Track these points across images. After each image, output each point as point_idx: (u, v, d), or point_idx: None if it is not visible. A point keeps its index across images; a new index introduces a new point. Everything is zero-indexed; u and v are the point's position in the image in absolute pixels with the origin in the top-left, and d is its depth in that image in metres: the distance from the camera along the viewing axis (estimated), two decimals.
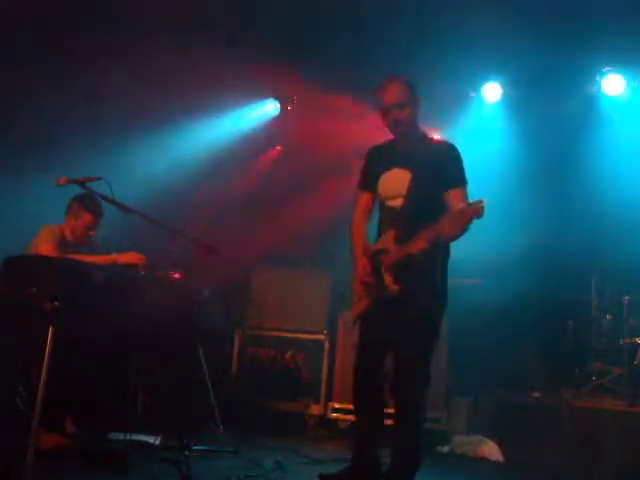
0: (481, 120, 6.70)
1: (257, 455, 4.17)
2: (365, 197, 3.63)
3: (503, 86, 6.48)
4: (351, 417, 4.52)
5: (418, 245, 3.10)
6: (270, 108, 7.09)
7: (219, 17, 5.47)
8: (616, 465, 4.38)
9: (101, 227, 4.53)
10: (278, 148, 7.44)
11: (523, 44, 5.60)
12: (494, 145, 6.57)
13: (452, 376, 5.21)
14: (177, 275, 4.40)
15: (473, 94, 6.63)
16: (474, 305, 5.80)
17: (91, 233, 4.44)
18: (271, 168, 7.31)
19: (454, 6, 5.27)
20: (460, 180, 3.37)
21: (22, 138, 5.84)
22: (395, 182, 3.39)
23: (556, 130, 6.40)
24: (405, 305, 3.28)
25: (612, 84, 6.19)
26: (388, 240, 3.35)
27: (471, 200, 3.08)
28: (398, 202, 3.36)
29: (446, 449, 4.82)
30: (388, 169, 3.44)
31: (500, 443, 4.76)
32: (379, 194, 3.50)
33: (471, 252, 6.37)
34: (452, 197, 3.27)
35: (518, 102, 6.52)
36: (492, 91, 6.53)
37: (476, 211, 2.90)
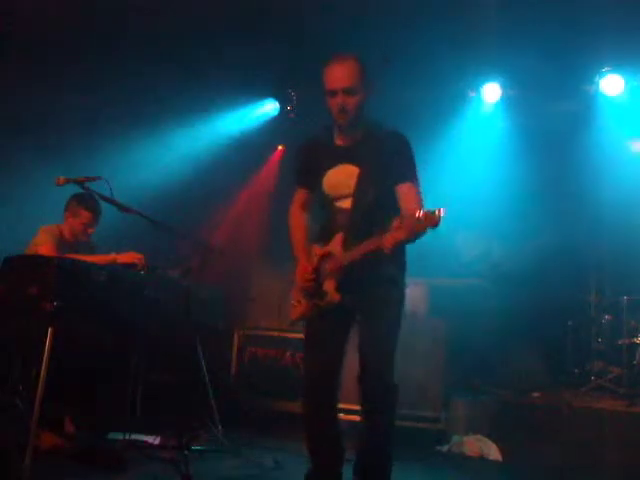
0: (481, 120, 6.71)
1: (257, 455, 4.17)
2: (303, 194, 3.30)
3: (503, 86, 6.49)
4: (351, 417, 4.50)
5: (352, 256, 2.89)
6: (270, 108, 7.09)
7: (219, 17, 5.46)
8: (616, 465, 4.38)
9: (101, 227, 4.53)
10: (280, 147, 7.45)
11: (523, 44, 5.60)
12: (493, 145, 6.58)
13: (452, 376, 5.21)
14: (177, 275, 4.40)
15: (473, 94, 6.64)
16: (474, 305, 5.81)
17: (90, 231, 4.43)
18: (273, 167, 7.33)
19: (454, 6, 5.27)
20: (409, 173, 3.03)
21: (22, 138, 5.84)
22: (342, 180, 3.07)
23: (555, 130, 6.40)
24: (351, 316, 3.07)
25: (611, 84, 6.19)
26: (335, 244, 3.05)
27: (429, 208, 2.69)
28: (347, 203, 3.06)
29: (445, 449, 4.81)
30: (333, 165, 3.09)
31: (499, 443, 4.76)
32: (326, 194, 3.14)
33: (471, 252, 6.42)
34: (401, 193, 2.98)
35: (518, 102, 6.52)
36: (492, 91, 6.53)
37: (432, 220, 2.59)
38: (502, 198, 6.23)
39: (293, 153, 3.29)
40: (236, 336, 5.70)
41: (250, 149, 7.17)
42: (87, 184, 3.84)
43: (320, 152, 3.16)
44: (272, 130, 7.15)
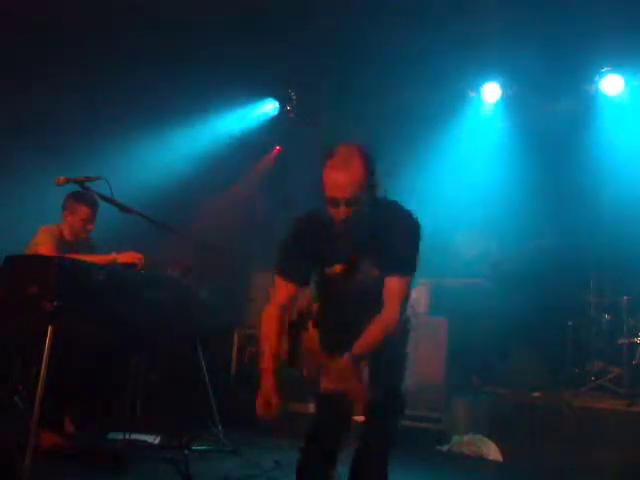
0: (481, 120, 6.71)
1: (257, 455, 4.17)
2: (289, 288, 2.75)
3: (503, 86, 6.49)
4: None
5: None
6: (270, 108, 7.10)
7: (219, 17, 5.47)
8: (616, 465, 4.38)
9: (101, 227, 4.53)
10: (278, 148, 7.47)
11: (523, 44, 5.61)
12: (493, 145, 6.59)
13: (452, 376, 5.21)
14: (177, 275, 4.40)
15: (473, 94, 6.64)
16: (475, 305, 5.81)
17: (89, 227, 4.43)
18: (271, 168, 7.33)
19: (454, 6, 5.27)
20: (404, 266, 2.66)
21: (22, 139, 5.84)
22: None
23: (555, 130, 6.41)
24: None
25: (611, 84, 6.20)
26: (311, 335, 2.84)
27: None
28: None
29: (445, 448, 4.82)
30: (336, 263, 2.75)
31: (499, 443, 4.76)
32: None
33: (470, 251, 6.41)
34: (387, 285, 2.61)
35: (518, 102, 6.53)
36: (492, 91, 6.54)
37: (355, 394, 2.46)
38: (502, 198, 6.24)
39: (288, 230, 2.86)
40: (236, 336, 5.71)
41: (250, 149, 7.18)
42: (87, 184, 3.85)
43: (321, 247, 2.75)
44: (272, 130, 7.15)
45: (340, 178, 2.54)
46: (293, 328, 2.89)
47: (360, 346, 2.55)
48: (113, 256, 4.21)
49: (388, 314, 2.62)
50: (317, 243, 2.74)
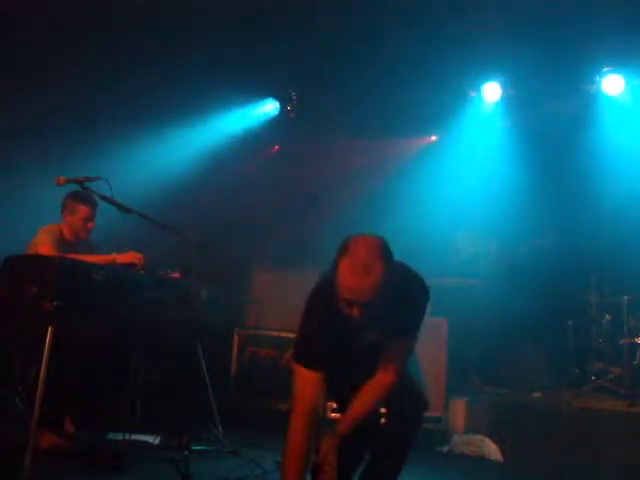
0: (481, 120, 6.71)
1: (257, 455, 4.16)
2: (314, 376, 2.61)
3: (503, 86, 6.49)
4: None
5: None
6: (270, 108, 7.10)
7: (219, 17, 5.46)
8: (616, 465, 4.38)
9: (101, 227, 4.53)
10: (277, 148, 7.48)
11: (523, 44, 5.60)
12: (493, 145, 6.59)
13: (452, 376, 5.21)
14: (177, 275, 4.40)
15: (473, 94, 6.64)
16: (474, 305, 5.81)
17: (89, 225, 4.43)
18: (271, 167, 7.33)
19: (455, 6, 5.27)
20: (411, 332, 2.73)
21: (22, 139, 5.84)
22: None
23: (556, 130, 6.41)
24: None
25: (612, 84, 6.19)
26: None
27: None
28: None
29: (445, 449, 4.82)
30: (344, 347, 2.67)
31: (499, 443, 4.76)
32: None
33: (469, 250, 6.41)
34: (392, 345, 2.68)
35: (518, 102, 6.53)
36: (492, 91, 6.53)
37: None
38: (502, 198, 6.24)
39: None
40: (236, 336, 5.70)
41: (250, 149, 7.18)
42: (87, 184, 3.85)
43: (338, 334, 2.63)
44: (272, 130, 7.15)
45: (356, 285, 2.38)
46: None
47: (350, 419, 2.68)
48: (113, 256, 4.22)
49: (389, 376, 2.67)
50: (334, 331, 2.62)
